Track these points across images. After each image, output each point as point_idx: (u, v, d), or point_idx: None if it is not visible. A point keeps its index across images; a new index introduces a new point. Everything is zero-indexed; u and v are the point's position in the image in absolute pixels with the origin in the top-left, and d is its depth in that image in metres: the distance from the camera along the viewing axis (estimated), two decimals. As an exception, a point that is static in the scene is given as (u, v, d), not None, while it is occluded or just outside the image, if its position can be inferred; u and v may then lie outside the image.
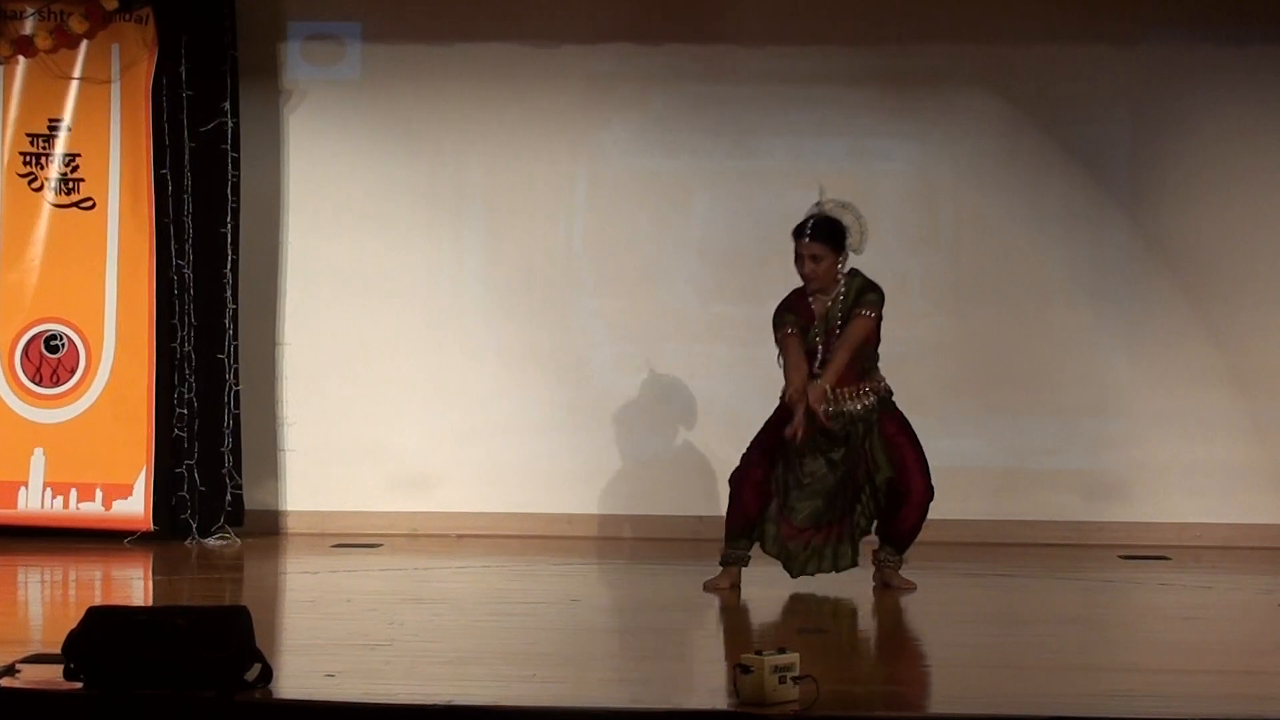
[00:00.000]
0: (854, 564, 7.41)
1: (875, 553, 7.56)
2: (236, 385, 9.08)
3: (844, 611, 6.98)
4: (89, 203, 9.01)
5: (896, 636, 6.68)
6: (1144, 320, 9.24)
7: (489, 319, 9.39)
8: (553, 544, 8.98)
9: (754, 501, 7.37)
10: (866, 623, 6.99)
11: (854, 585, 7.25)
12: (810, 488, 7.35)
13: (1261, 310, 9.19)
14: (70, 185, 9.02)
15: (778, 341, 7.41)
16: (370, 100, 9.42)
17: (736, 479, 7.45)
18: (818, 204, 7.39)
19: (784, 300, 7.46)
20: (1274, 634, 6.88)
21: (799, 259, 7.35)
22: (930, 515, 7.48)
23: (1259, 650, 6.43)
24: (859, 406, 7.37)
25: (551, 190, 9.41)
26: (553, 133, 9.38)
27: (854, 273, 7.39)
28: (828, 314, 7.35)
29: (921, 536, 8.86)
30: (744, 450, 7.47)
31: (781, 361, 7.39)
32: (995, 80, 9.29)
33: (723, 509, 7.41)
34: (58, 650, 5.24)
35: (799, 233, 7.35)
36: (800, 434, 7.19)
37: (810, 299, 7.39)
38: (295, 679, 5.43)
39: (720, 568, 7.44)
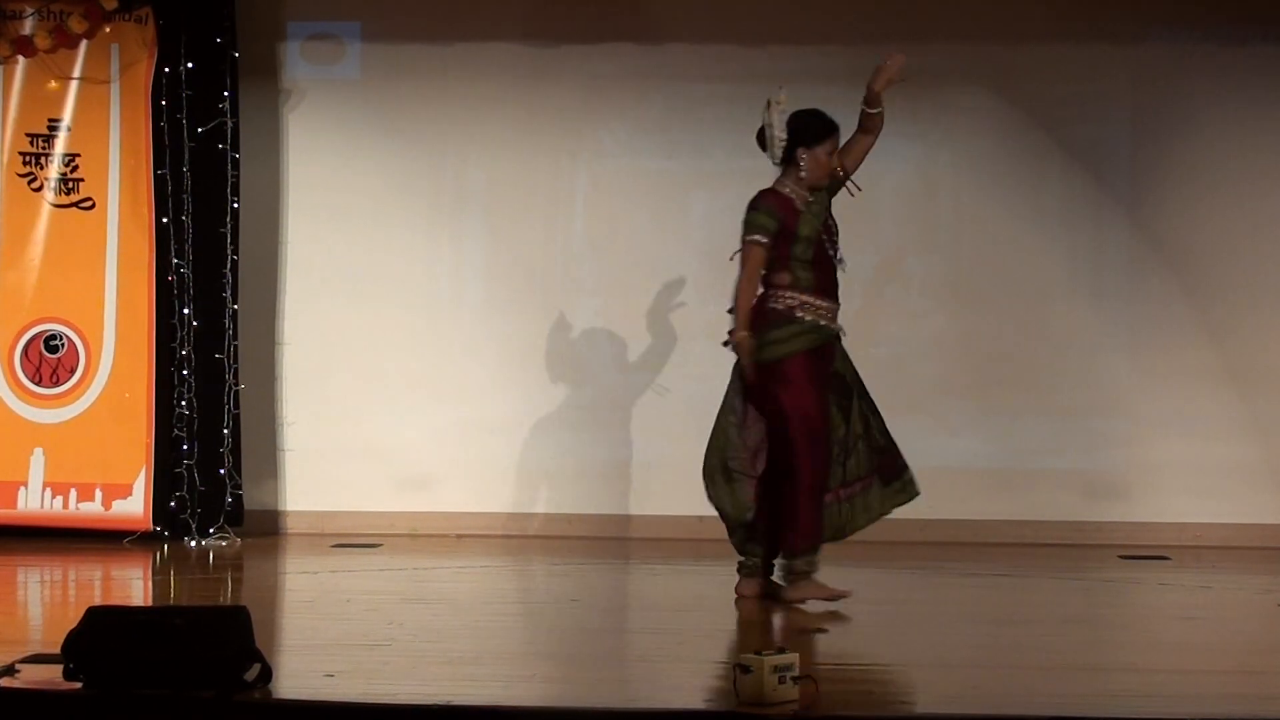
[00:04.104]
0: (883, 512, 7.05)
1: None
2: (236, 385, 9.08)
3: (844, 611, 6.97)
4: (89, 203, 9.01)
5: (896, 636, 6.67)
6: (1144, 320, 9.24)
7: (489, 319, 9.39)
8: (553, 544, 8.98)
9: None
10: (866, 622, 6.98)
11: (854, 585, 7.24)
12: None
13: (1261, 310, 9.20)
14: (70, 185, 9.02)
15: (746, 245, 6.95)
16: (370, 100, 9.42)
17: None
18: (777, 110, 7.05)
19: (760, 200, 6.96)
20: (1274, 634, 6.88)
21: (831, 153, 6.96)
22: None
23: (1259, 650, 6.44)
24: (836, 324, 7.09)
25: (551, 190, 9.41)
26: (553, 133, 9.38)
27: None
28: (818, 210, 6.95)
29: (921, 536, 8.90)
30: None
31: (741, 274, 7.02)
32: (995, 80, 9.29)
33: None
34: (58, 650, 5.25)
35: (833, 126, 6.95)
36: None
37: (802, 198, 6.97)
38: (295, 679, 5.43)
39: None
